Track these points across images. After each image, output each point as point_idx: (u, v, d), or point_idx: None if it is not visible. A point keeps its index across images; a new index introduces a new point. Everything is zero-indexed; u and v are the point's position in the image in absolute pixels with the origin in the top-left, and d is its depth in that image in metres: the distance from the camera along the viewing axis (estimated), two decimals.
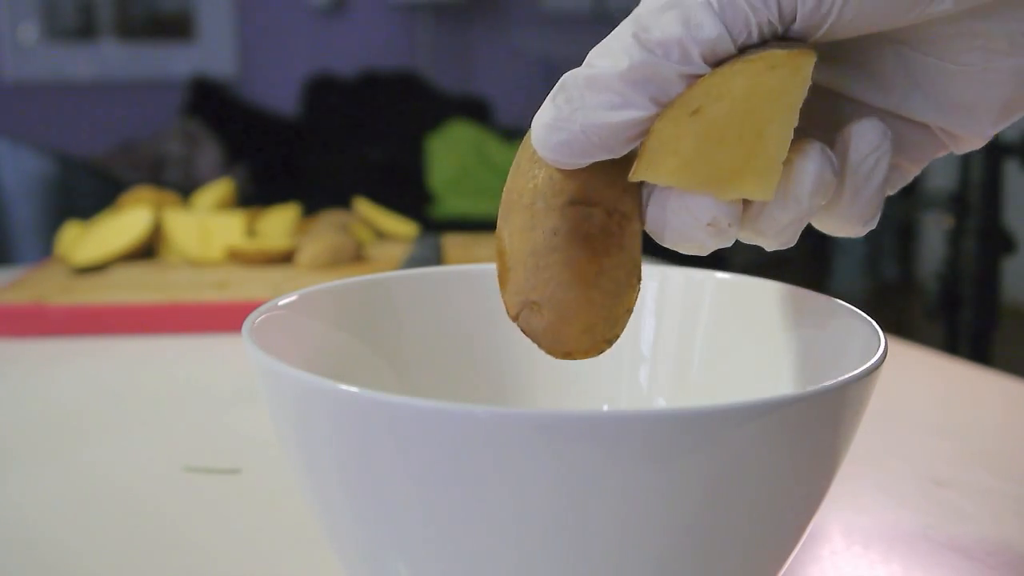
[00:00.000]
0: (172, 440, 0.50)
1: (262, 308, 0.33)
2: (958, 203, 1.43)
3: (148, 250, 0.85)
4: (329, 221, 0.91)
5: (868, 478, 0.45)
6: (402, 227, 0.96)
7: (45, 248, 1.53)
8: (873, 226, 0.28)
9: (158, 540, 0.39)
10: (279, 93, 3.36)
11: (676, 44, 0.25)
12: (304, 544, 0.38)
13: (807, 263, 3.22)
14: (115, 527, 0.40)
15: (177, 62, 3.36)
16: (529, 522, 0.24)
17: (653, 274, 0.38)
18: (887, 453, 0.48)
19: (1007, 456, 0.48)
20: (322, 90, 3.25)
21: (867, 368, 0.27)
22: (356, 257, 0.83)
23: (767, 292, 0.36)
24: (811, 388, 0.25)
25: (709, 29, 0.25)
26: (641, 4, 0.26)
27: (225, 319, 0.69)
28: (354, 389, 0.25)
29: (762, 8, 0.25)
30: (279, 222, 0.90)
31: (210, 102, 3.22)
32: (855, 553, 0.38)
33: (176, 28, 3.40)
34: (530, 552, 0.25)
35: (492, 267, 0.39)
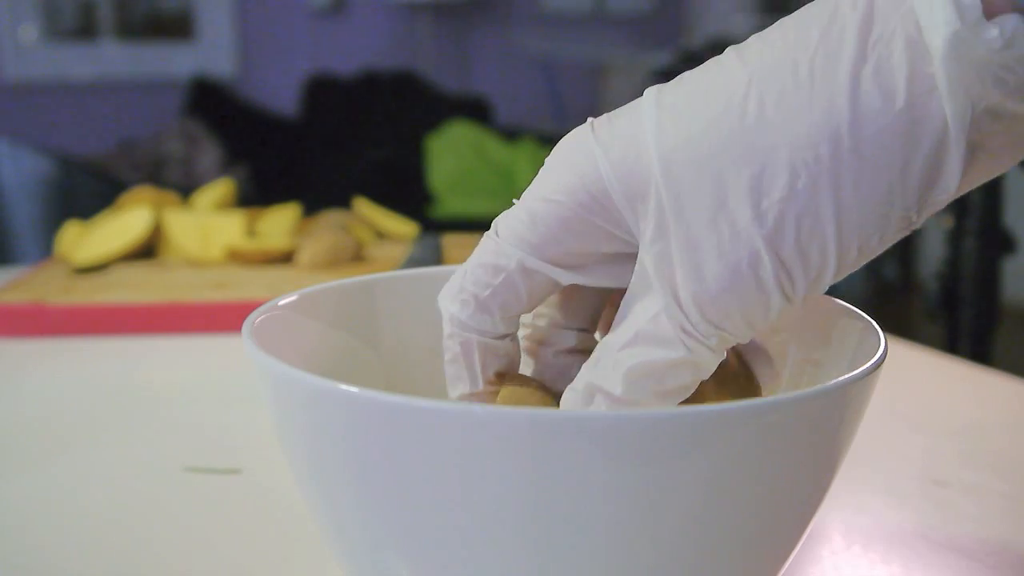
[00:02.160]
0: (172, 440, 0.50)
1: (262, 308, 0.33)
2: (958, 203, 1.43)
3: (148, 250, 0.85)
4: (329, 221, 0.91)
5: (868, 478, 0.45)
6: (402, 227, 0.96)
7: (45, 248, 1.53)
8: None
9: (158, 540, 0.39)
10: (279, 93, 3.36)
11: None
12: (304, 544, 0.38)
13: None
14: (115, 527, 0.40)
15: (177, 62, 3.36)
16: (527, 520, 0.24)
17: None
18: (887, 453, 0.48)
19: (1007, 456, 0.48)
20: (322, 90, 3.25)
21: (867, 368, 0.26)
22: (356, 257, 0.83)
23: None
24: (810, 389, 0.25)
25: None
26: None
27: (225, 319, 0.69)
28: (353, 389, 0.25)
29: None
30: (279, 222, 0.90)
31: (210, 102, 3.22)
32: (855, 553, 0.38)
33: (176, 28, 3.40)
34: (527, 549, 0.25)
35: None
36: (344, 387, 0.25)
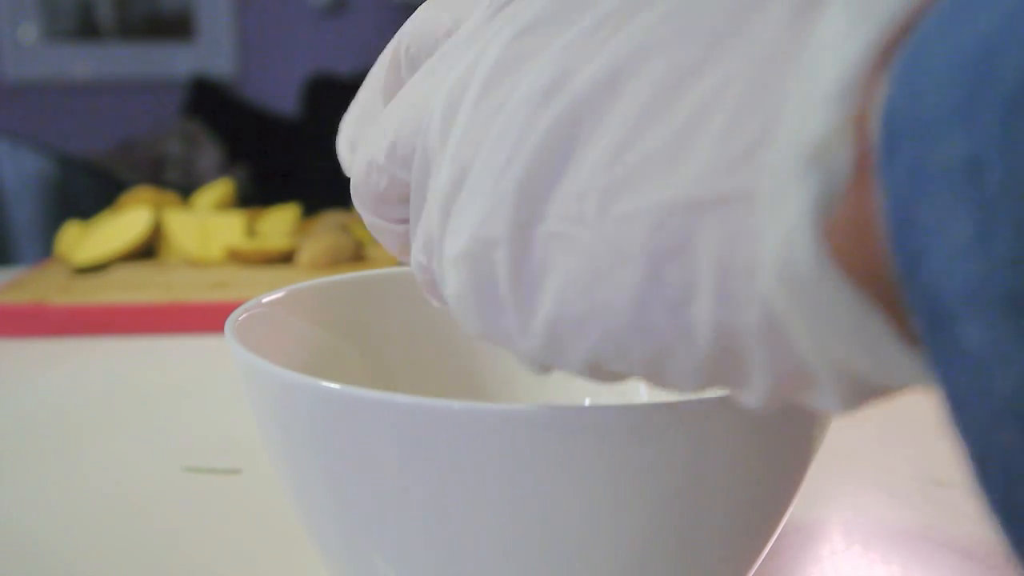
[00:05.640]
0: (172, 440, 0.50)
1: (246, 305, 0.33)
2: None
3: (148, 250, 0.85)
4: (329, 221, 0.91)
5: (868, 478, 0.45)
6: None
7: (45, 248, 1.53)
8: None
9: (157, 540, 0.39)
10: (279, 93, 3.36)
11: None
12: (305, 544, 0.38)
13: None
14: (114, 527, 0.40)
15: (177, 62, 3.36)
16: (505, 516, 0.24)
17: None
18: (887, 453, 0.48)
19: None
20: (322, 90, 3.25)
21: None
22: (356, 257, 0.83)
23: None
24: None
25: None
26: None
27: (225, 319, 0.69)
28: (334, 386, 0.25)
29: None
30: (279, 222, 0.90)
31: (210, 102, 3.22)
32: (855, 553, 0.38)
33: (176, 28, 3.40)
34: (507, 545, 0.25)
35: None
36: (323, 384, 0.25)
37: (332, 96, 3.24)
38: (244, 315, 0.32)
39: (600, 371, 0.21)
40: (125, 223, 0.84)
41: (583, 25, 0.21)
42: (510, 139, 0.21)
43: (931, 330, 0.14)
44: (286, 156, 3.13)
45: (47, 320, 0.70)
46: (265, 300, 0.34)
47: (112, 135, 3.19)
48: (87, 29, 3.36)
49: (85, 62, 3.30)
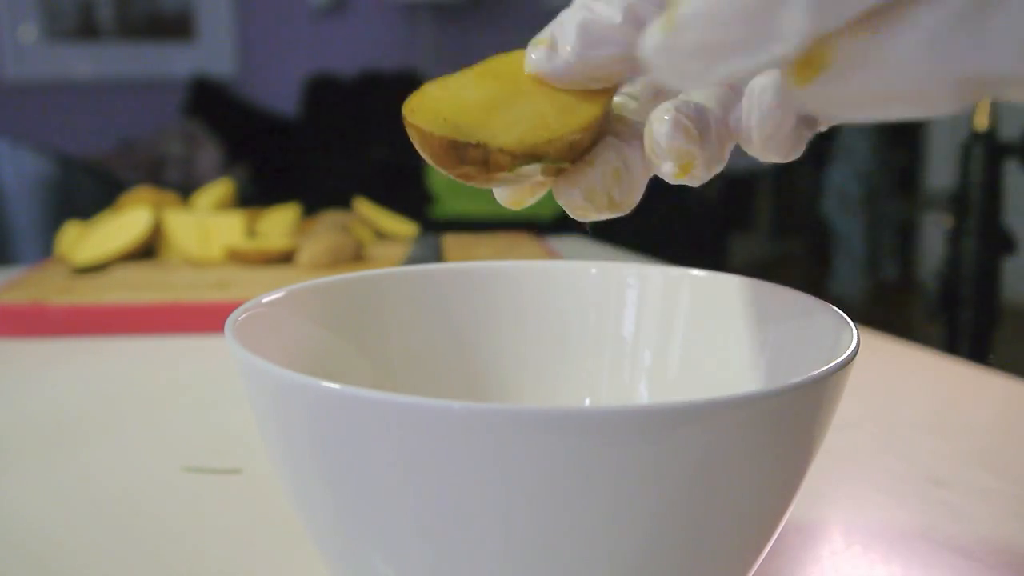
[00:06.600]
0: (172, 440, 0.50)
1: (246, 305, 0.33)
2: (958, 203, 1.43)
3: (148, 250, 0.86)
4: (329, 221, 0.91)
5: (868, 478, 0.45)
6: (402, 227, 0.96)
7: (45, 248, 1.53)
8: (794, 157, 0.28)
9: (158, 540, 0.39)
10: (279, 93, 3.36)
11: None
12: (305, 544, 0.38)
13: (807, 263, 3.23)
14: (114, 527, 0.40)
15: (177, 62, 3.36)
16: (505, 516, 0.24)
17: (631, 273, 0.38)
18: (887, 453, 0.48)
19: (1006, 456, 0.48)
20: (322, 90, 3.25)
21: (832, 367, 0.26)
22: (356, 257, 0.83)
23: (744, 289, 0.36)
24: (776, 385, 0.25)
25: None
26: None
27: (225, 319, 0.69)
28: (334, 386, 0.25)
29: None
30: (279, 222, 0.90)
31: (210, 102, 3.23)
32: (855, 553, 0.38)
33: (176, 28, 3.40)
34: (507, 546, 0.25)
35: (480, 265, 0.39)
36: (323, 384, 0.25)
37: (332, 96, 3.24)
38: (244, 315, 0.32)
39: None
40: (125, 223, 0.84)
41: None
42: None
43: None
44: (286, 156, 3.13)
45: (47, 320, 0.70)
46: (265, 300, 0.34)
47: (112, 135, 3.20)
48: (87, 29, 3.36)
49: (85, 64, 3.30)
